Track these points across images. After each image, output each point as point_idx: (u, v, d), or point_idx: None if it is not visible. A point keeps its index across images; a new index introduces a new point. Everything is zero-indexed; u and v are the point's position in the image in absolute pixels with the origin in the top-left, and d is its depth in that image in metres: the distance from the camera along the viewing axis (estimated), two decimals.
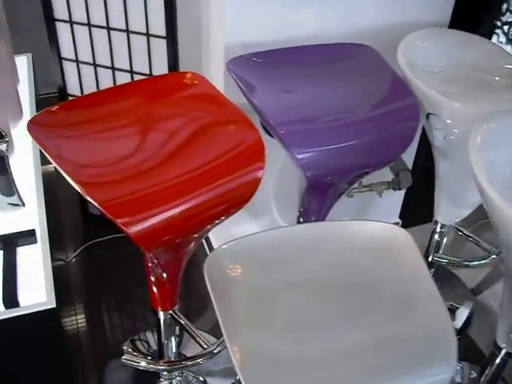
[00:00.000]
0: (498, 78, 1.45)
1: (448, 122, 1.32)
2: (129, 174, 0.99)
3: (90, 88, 1.74)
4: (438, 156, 1.47)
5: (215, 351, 1.29)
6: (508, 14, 2.07)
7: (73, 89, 1.75)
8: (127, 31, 1.58)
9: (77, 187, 0.98)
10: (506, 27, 2.10)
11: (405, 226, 2.15)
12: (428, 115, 1.36)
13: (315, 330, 0.86)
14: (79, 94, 1.76)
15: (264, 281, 0.89)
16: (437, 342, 0.86)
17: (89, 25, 1.61)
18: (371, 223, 1.01)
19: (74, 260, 1.92)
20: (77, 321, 1.78)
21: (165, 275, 1.22)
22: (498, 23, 2.00)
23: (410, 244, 1.01)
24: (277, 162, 1.64)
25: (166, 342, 1.41)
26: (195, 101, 1.15)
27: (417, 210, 2.17)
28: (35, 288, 1.15)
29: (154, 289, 1.28)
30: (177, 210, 0.98)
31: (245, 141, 1.08)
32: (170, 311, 1.33)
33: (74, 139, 1.05)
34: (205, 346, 1.29)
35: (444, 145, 1.40)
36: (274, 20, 1.43)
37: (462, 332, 1.71)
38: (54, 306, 1.12)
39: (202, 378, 1.56)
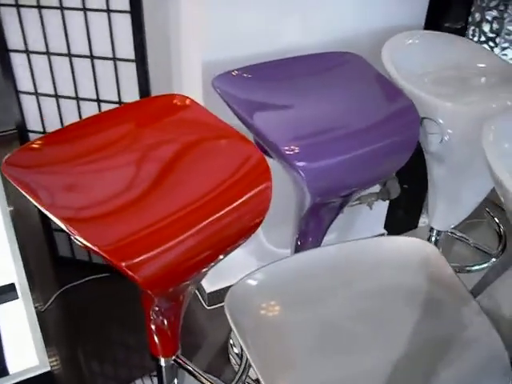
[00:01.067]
0: (484, 76, 1.42)
1: (445, 124, 1.28)
2: (128, 211, 0.88)
3: (52, 122, 1.60)
4: (433, 162, 1.42)
5: None
6: (477, 14, 2.07)
7: (33, 124, 1.61)
8: (91, 57, 1.46)
9: (71, 232, 0.85)
10: (471, 28, 2.10)
11: (390, 234, 2.11)
12: (422, 120, 1.30)
13: (372, 355, 0.79)
14: (41, 130, 1.62)
15: (306, 316, 0.80)
16: (489, 351, 0.82)
17: (47, 53, 1.48)
18: (400, 239, 0.95)
19: (48, 308, 1.77)
20: (58, 371, 1.62)
21: (166, 322, 1.10)
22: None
23: (439, 256, 0.95)
24: None
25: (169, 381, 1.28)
26: (187, 124, 1.06)
27: (399, 219, 2.13)
28: (24, 350, 1.01)
29: (155, 337, 1.16)
30: (186, 246, 0.88)
31: (247, 160, 1.00)
32: (173, 357, 1.22)
33: (59, 176, 0.92)
34: None
35: (440, 149, 1.35)
36: (254, 33, 1.36)
37: None
38: (48, 369, 0.99)
39: None
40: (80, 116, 1.58)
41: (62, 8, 1.40)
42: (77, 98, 1.54)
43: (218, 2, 1.27)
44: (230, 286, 1.78)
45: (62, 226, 0.86)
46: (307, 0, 1.39)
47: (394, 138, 1.15)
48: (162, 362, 1.23)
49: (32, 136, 1.64)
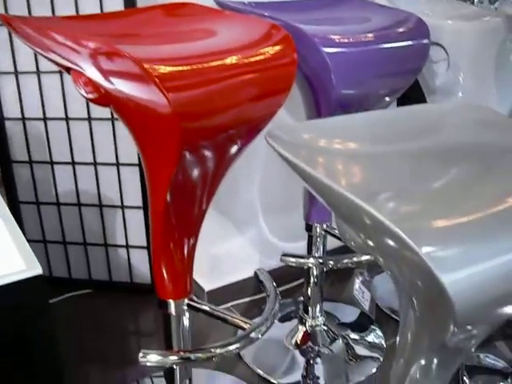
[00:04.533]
0: None
1: (450, 44, 1.28)
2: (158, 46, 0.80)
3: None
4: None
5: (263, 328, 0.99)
6: None
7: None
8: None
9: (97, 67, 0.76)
10: None
11: None
12: None
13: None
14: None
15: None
16: None
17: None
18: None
19: None
20: None
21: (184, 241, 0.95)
22: None
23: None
24: (259, 163, 1.53)
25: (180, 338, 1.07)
26: (199, 9, 1.06)
27: None
28: (10, 264, 0.81)
29: (164, 269, 0.98)
30: (219, 82, 0.80)
31: (275, 33, 0.94)
32: (186, 300, 1.03)
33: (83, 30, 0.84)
34: (246, 326, 0.99)
35: (448, 79, 1.33)
36: None
37: None
38: (40, 272, 0.79)
39: None
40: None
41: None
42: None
43: None
44: (230, 285, 1.61)
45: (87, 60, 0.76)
46: None
47: (408, 42, 1.16)
48: (172, 308, 1.02)
49: None
